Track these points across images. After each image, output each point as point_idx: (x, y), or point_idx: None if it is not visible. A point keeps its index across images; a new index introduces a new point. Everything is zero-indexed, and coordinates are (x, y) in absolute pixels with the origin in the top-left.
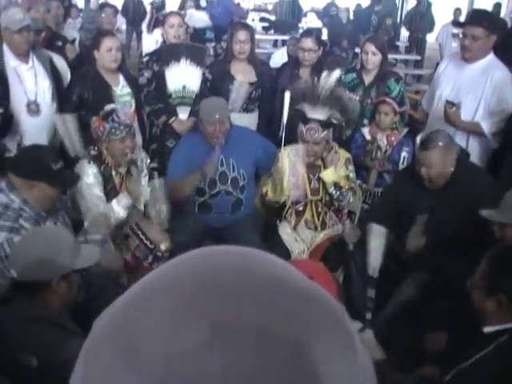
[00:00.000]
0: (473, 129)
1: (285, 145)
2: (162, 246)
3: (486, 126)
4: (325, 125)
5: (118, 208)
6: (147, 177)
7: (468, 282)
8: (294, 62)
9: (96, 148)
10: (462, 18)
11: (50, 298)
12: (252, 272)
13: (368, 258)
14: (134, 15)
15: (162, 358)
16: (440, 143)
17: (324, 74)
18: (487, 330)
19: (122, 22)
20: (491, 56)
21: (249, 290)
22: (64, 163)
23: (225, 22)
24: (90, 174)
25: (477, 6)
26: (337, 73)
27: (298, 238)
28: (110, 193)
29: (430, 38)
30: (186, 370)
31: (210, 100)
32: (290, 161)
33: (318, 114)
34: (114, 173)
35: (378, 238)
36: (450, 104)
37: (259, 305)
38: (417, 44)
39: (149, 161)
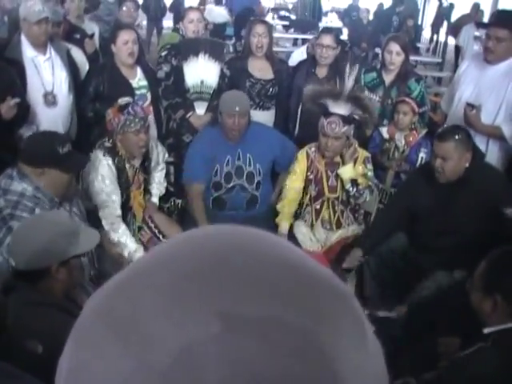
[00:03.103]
0: (493, 132)
1: (299, 143)
2: None
3: (507, 130)
4: (346, 120)
5: (129, 248)
6: (164, 170)
7: (467, 284)
8: (311, 61)
9: (110, 140)
10: (485, 20)
11: (51, 285)
12: (260, 253)
13: None
14: (154, 11)
15: (159, 341)
16: (457, 136)
17: (346, 70)
18: (487, 331)
19: (142, 18)
20: None
21: (257, 272)
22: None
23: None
24: (104, 166)
25: (500, 7)
26: (356, 69)
27: (313, 237)
28: (123, 185)
29: (452, 40)
30: (186, 356)
31: (231, 93)
32: (309, 157)
33: (340, 108)
34: (127, 165)
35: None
36: (470, 106)
37: (270, 290)
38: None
39: (167, 155)
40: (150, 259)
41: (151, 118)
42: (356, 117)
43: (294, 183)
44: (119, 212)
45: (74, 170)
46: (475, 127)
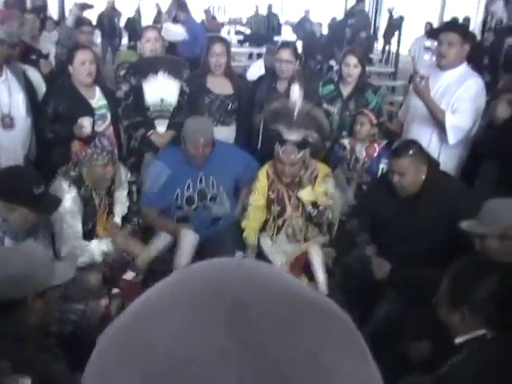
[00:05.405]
0: (435, 111)
1: (262, 157)
2: (140, 259)
3: (449, 119)
4: (301, 145)
5: (97, 250)
6: (126, 190)
7: (433, 299)
8: (271, 75)
9: (76, 169)
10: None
11: (27, 316)
12: (263, 285)
13: None
14: (109, 29)
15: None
16: (411, 151)
17: (295, 88)
18: (458, 340)
19: (97, 36)
20: (465, 65)
21: (261, 303)
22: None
23: (192, 53)
24: (68, 199)
25: (447, 19)
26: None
27: (279, 249)
28: (90, 214)
29: (403, 50)
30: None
31: (196, 121)
32: (269, 177)
33: (293, 135)
34: (94, 194)
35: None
36: (419, 77)
37: (272, 319)
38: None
39: (129, 175)
40: (161, 291)
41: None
42: (310, 139)
43: (256, 202)
44: (78, 243)
45: (45, 213)
46: (423, 97)
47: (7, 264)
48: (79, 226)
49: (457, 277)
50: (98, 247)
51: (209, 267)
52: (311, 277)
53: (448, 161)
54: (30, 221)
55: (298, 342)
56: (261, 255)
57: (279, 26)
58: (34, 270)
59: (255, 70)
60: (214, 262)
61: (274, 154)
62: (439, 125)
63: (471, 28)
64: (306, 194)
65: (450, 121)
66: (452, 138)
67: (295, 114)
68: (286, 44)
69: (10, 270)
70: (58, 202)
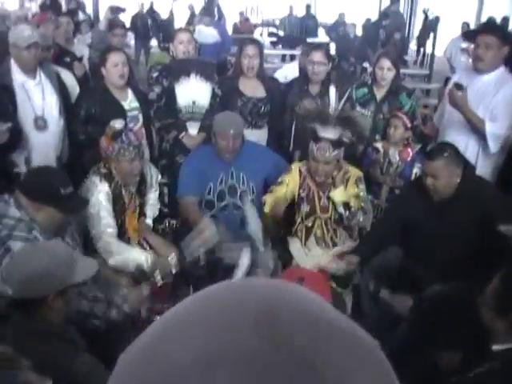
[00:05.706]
0: (475, 121)
1: (294, 161)
2: (170, 261)
3: (489, 126)
4: (336, 144)
5: (134, 259)
6: (157, 192)
7: (478, 299)
8: (303, 78)
9: (106, 165)
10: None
11: (48, 314)
12: (292, 309)
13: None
14: (143, 30)
15: None
16: (445, 154)
17: (331, 90)
18: (496, 347)
19: (130, 38)
20: (503, 69)
21: (290, 329)
22: (72, 180)
23: (218, 57)
24: (101, 192)
25: (484, 19)
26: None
27: (309, 254)
28: (119, 211)
29: (438, 52)
30: None
31: (226, 114)
32: (302, 174)
33: (329, 133)
34: (123, 190)
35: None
36: (458, 86)
37: (299, 347)
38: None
39: (160, 176)
40: (182, 313)
41: (143, 140)
42: (345, 139)
43: (277, 192)
44: (114, 240)
45: (72, 213)
46: (461, 108)
47: (28, 262)
48: (112, 221)
49: (508, 283)
50: (137, 256)
51: (238, 287)
52: (339, 284)
53: (484, 166)
54: (57, 221)
55: (324, 374)
56: (290, 260)
57: (316, 27)
58: (55, 268)
59: (289, 72)
60: (243, 282)
61: (306, 156)
62: (479, 134)
63: (510, 28)
64: (338, 195)
65: (490, 130)
66: (493, 146)
67: (331, 112)
68: (318, 46)
69: (30, 269)
70: (85, 203)
